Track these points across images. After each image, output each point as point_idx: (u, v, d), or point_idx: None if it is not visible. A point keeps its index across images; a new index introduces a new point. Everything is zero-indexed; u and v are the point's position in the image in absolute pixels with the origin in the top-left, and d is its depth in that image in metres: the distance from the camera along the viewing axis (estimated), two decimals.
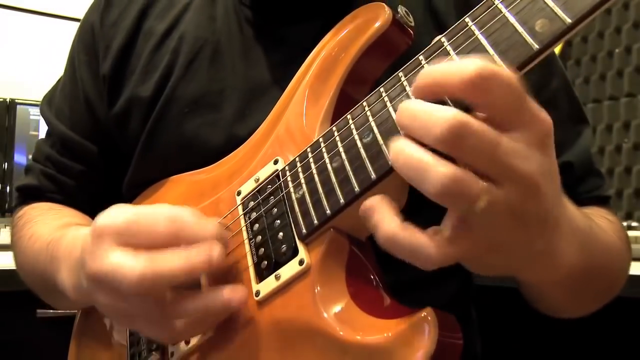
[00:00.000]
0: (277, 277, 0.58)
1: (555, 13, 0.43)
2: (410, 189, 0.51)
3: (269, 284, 0.59)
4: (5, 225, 1.63)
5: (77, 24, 0.95)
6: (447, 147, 0.41)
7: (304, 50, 0.70)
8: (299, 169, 0.60)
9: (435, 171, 0.41)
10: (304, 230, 0.57)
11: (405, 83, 0.51)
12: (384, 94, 0.53)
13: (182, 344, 0.65)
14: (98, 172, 0.91)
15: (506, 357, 1.45)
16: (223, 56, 0.80)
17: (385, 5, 0.64)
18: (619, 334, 1.33)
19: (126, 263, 0.54)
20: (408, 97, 0.50)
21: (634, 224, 1.73)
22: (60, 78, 0.97)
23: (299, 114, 0.67)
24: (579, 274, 0.57)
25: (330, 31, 0.68)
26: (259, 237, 0.62)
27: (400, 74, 0.52)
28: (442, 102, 0.45)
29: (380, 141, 0.51)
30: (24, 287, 0.88)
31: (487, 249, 0.45)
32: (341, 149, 0.55)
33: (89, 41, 0.89)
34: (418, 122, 0.42)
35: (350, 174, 0.53)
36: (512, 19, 0.45)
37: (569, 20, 0.43)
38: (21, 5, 2.43)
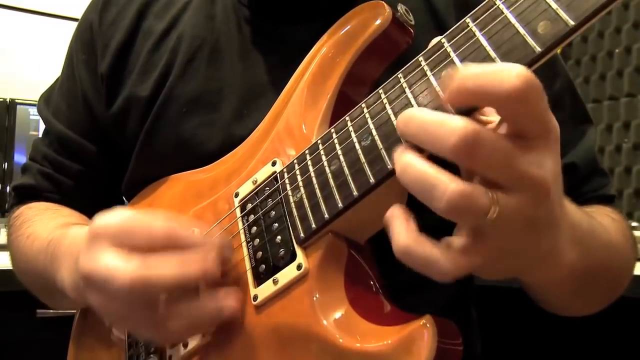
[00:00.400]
0: (275, 282, 0.58)
1: (558, 14, 0.42)
2: None
3: (267, 289, 0.58)
4: (5, 225, 1.62)
5: None
6: (460, 158, 0.41)
7: (303, 51, 0.69)
8: (297, 172, 0.59)
9: (443, 188, 0.40)
10: (302, 235, 0.56)
11: (404, 85, 0.50)
12: (383, 96, 0.52)
13: (180, 347, 0.64)
14: (96, 171, 0.90)
15: (506, 358, 1.45)
16: (221, 56, 0.79)
17: (385, 4, 0.63)
18: (620, 334, 1.33)
19: (118, 265, 0.54)
20: (407, 99, 0.49)
21: (634, 224, 1.73)
22: (58, 77, 0.96)
23: (297, 115, 0.66)
24: (580, 272, 0.57)
25: (329, 30, 0.67)
26: (257, 240, 0.61)
27: (400, 75, 0.52)
28: (440, 107, 0.44)
29: (380, 144, 0.50)
30: (24, 287, 0.87)
31: (498, 256, 0.45)
32: (339, 152, 0.54)
33: (87, 40, 0.89)
34: (428, 133, 0.41)
35: (349, 177, 0.52)
36: (513, 20, 0.44)
37: (571, 22, 0.42)
38: (21, 5, 2.43)
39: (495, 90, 0.39)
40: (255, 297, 0.59)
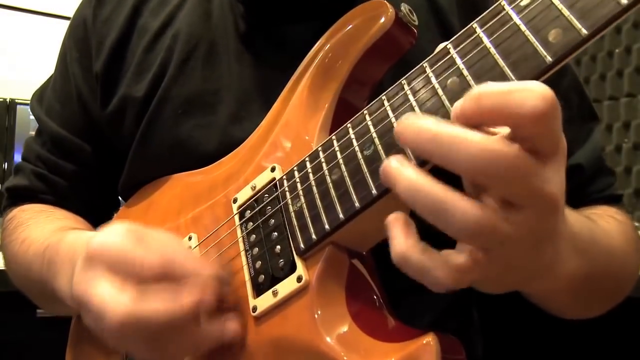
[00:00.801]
0: (275, 294, 0.56)
1: (571, 23, 0.40)
2: None
3: (266, 300, 0.57)
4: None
5: None
6: (477, 175, 0.40)
7: (302, 51, 0.68)
8: (297, 180, 0.58)
9: (461, 214, 0.39)
10: (302, 246, 0.55)
11: (408, 92, 0.49)
12: (386, 103, 0.51)
13: None
14: (91, 171, 0.88)
15: (508, 358, 1.45)
16: (218, 56, 0.78)
17: (388, 3, 0.60)
18: (622, 334, 1.33)
19: (111, 299, 0.53)
20: (411, 107, 0.48)
21: (635, 224, 1.73)
22: (51, 75, 0.94)
23: (296, 119, 0.65)
24: (580, 280, 0.57)
25: (329, 30, 0.65)
26: (256, 249, 0.60)
27: (404, 82, 0.50)
28: (446, 117, 0.43)
29: (382, 155, 0.49)
30: None
31: (500, 272, 0.44)
32: (341, 161, 0.53)
33: (81, 37, 0.87)
34: (442, 147, 0.39)
35: (351, 188, 0.51)
36: (523, 28, 0.42)
37: (584, 32, 0.40)
38: (21, 5, 2.42)
39: (516, 111, 0.38)
40: (255, 309, 0.58)
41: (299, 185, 0.57)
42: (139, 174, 0.82)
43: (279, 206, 0.59)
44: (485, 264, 0.42)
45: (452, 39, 0.47)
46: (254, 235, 0.61)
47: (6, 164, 2.00)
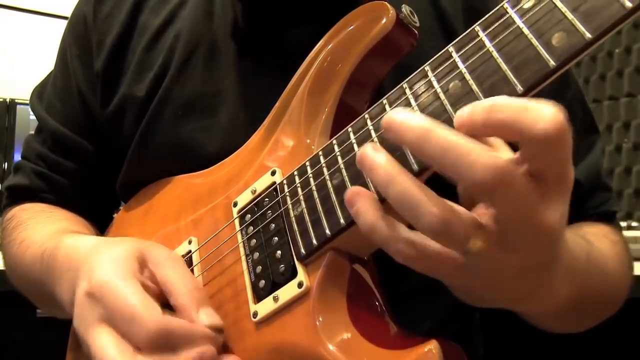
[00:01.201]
0: (276, 299, 0.56)
1: (575, 26, 0.40)
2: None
3: (267, 306, 0.56)
4: None
5: None
6: (479, 193, 0.40)
7: (303, 53, 0.67)
8: (298, 185, 0.57)
9: (425, 210, 0.40)
10: (303, 251, 0.54)
11: (410, 97, 0.48)
12: (387, 108, 0.50)
13: None
14: (92, 170, 0.88)
15: (508, 358, 1.45)
16: (219, 56, 0.77)
17: (388, 4, 0.60)
18: (622, 334, 1.33)
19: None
20: (413, 111, 0.47)
21: (634, 224, 1.74)
22: (51, 72, 0.93)
23: (296, 122, 0.64)
24: (572, 302, 0.56)
25: (330, 31, 0.65)
26: (257, 254, 0.60)
27: (405, 85, 0.50)
28: (447, 122, 0.42)
29: None
30: None
31: (481, 285, 0.45)
32: (342, 166, 0.52)
33: (81, 33, 0.86)
34: (448, 158, 0.39)
35: None
36: (526, 31, 0.42)
37: (588, 35, 0.39)
38: (21, 5, 2.42)
39: (527, 129, 0.37)
40: (255, 314, 0.57)
41: (299, 190, 0.57)
42: (137, 174, 0.82)
43: (279, 211, 0.58)
44: (461, 267, 0.43)
45: (454, 42, 0.47)
46: (254, 240, 0.60)
47: (6, 163, 2.01)
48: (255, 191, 0.63)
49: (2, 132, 2.02)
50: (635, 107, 2.03)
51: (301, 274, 0.54)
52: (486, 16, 0.45)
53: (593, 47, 0.40)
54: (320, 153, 0.56)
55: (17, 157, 2.02)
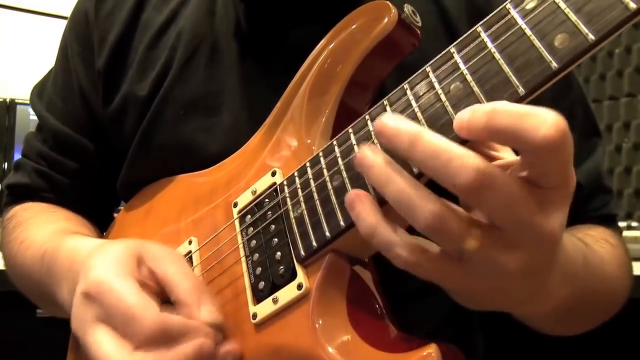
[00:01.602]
0: (275, 301, 0.55)
1: (578, 27, 0.39)
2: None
3: (267, 307, 0.56)
4: None
5: None
6: (467, 197, 0.40)
7: (304, 54, 0.67)
8: (298, 186, 0.57)
9: (421, 207, 0.41)
10: (303, 253, 0.54)
11: (411, 97, 0.48)
12: (388, 108, 0.50)
13: None
14: (93, 169, 0.87)
15: (508, 357, 1.45)
16: (221, 56, 0.77)
17: (390, 4, 0.59)
18: (622, 334, 1.33)
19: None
20: (414, 114, 0.47)
21: (634, 224, 1.74)
22: (51, 69, 0.92)
23: (297, 123, 0.64)
24: (569, 306, 0.56)
25: (332, 30, 0.64)
26: (256, 255, 0.59)
27: (406, 86, 0.49)
28: (447, 124, 0.42)
29: None
30: None
31: (479, 289, 0.45)
32: (342, 167, 0.52)
33: (82, 30, 0.85)
34: (437, 162, 0.39)
35: None
36: (529, 32, 0.41)
37: (591, 37, 0.39)
38: (21, 5, 2.43)
39: (528, 136, 0.37)
40: (255, 316, 0.57)
41: (299, 191, 0.56)
42: (138, 174, 0.81)
43: (279, 212, 0.58)
44: (458, 267, 0.43)
45: (455, 43, 0.47)
46: (254, 241, 0.60)
47: (6, 163, 2.01)
48: (255, 192, 0.63)
49: (2, 131, 2.02)
50: (635, 107, 2.03)
51: (301, 276, 0.54)
52: (488, 17, 0.45)
53: (596, 49, 0.39)
54: (321, 154, 0.56)
55: (17, 156, 2.01)
